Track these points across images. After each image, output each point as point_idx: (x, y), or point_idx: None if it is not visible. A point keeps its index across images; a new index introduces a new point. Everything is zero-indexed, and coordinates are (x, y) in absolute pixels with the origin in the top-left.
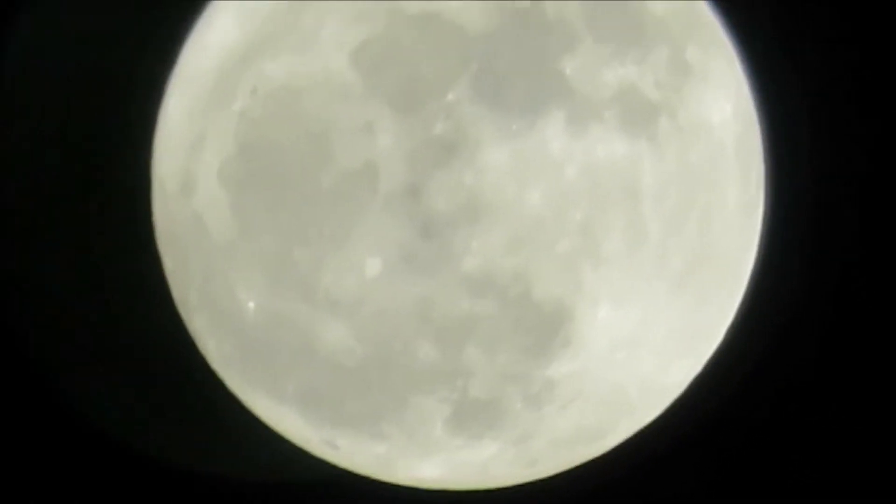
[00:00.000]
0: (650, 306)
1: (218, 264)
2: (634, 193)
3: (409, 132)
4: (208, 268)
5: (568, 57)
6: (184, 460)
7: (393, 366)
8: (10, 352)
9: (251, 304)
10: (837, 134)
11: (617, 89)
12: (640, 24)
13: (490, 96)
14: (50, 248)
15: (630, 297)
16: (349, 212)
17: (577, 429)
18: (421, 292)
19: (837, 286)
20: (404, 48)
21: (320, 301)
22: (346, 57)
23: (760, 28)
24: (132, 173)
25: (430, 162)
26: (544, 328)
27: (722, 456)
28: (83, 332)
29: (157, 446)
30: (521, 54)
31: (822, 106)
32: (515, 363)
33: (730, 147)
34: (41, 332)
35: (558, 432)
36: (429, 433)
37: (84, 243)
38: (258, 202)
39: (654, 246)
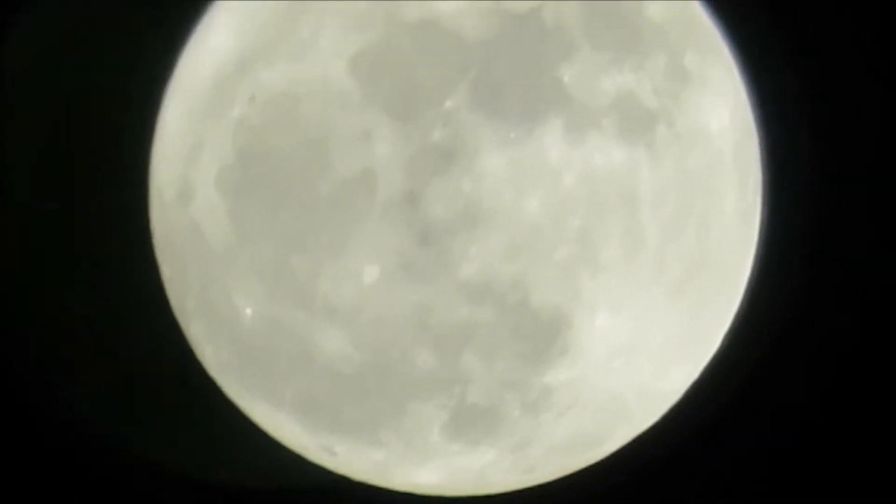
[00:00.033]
0: (648, 313)
1: (216, 271)
2: (632, 201)
3: (407, 139)
4: (206, 275)
5: (566, 64)
6: (182, 467)
7: (391, 373)
8: (7, 357)
9: (249, 311)
10: (835, 141)
11: (615, 97)
12: (637, 31)
13: (488, 104)
14: (47, 255)
15: (628, 304)
16: (347, 219)
17: (575, 436)
18: (419, 299)
19: (834, 293)
20: (402, 56)
21: (318, 308)
22: (344, 64)
23: (759, 35)
24: (130, 181)
25: (428, 169)
26: (542, 335)
27: (719, 463)
28: (81, 339)
29: (154, 453)
30: (519, 62)
31: (820, 113)
32: (513, 370)
33: (728, 154)
34: (39, 338)
35: (556, 439)
36: (426, 440)
37: (81, 250)
38: (256, 209)
39: (651, 253)
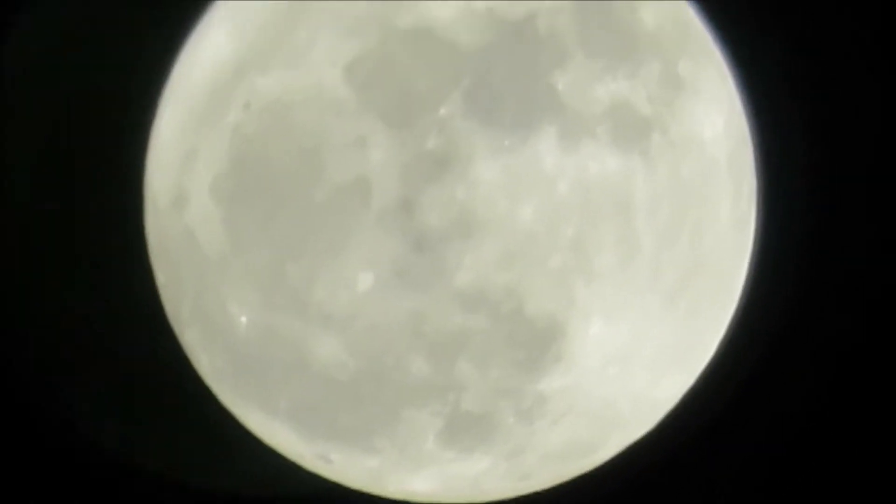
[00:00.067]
0: (642, 321)
1: (210, 279)
2: (627, 209)
3: (402, 147)
4: (200, 282)
5: (560, 72)
6: (177, 475)
7: (385, 380)
8: (1, 361)
9: (243, 319)
10: (830, 149)
11: (609, 104)
12: (631, 39)
13: (482, 111)
14: (41, 259)
15: (622, 312)
16: (342, 226)
17: (569, 443)
18: (413, 307)
19: (829, 301)
20: (397, 63)
21: (313, 315)
22: (338, 72)
23: (753, 42)
24: (125, 187)
25: (422, 177)
26: (536, 343)
27: (714, 471)
28: (75, 345)
29: (149, 461)
30: (513, 69)
31: (814, 121)
32: (507, 378)
33: (722, 162)
34: (33, 343)
35: (550, 447)
36: (421, 447)
37: (76, 255)
38: (250, 217)
39: (646, 261)
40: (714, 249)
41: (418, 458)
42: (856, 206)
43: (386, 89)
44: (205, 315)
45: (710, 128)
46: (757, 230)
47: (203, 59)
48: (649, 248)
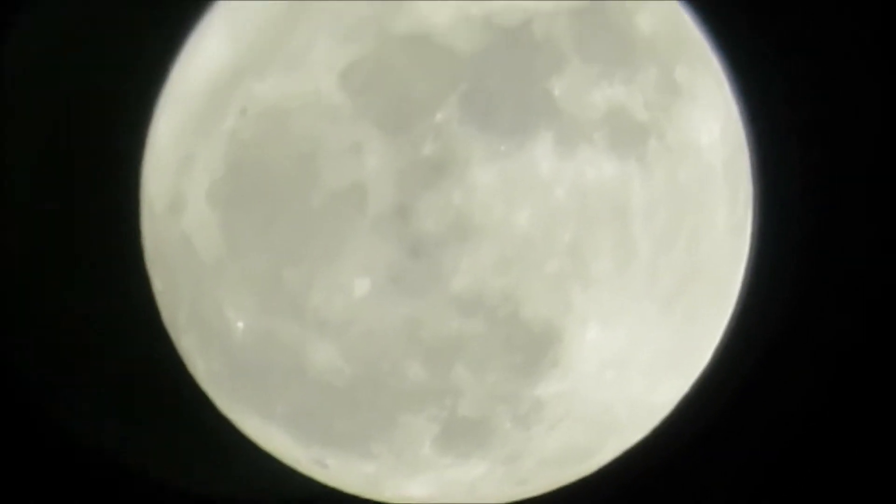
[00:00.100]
0: (639, 326)
1: (207, 284)
2: (623, 214)
3: (398, 152)
4: (197, 288)
5: (556, 78)
6: (173, 480)
7: (382, 385)
8: None
9: (240, 324)
10: (826, 155)
11: (606, 110)
12: (628, 45)
13: (479, 117)
14: (36, 265)
15: (619, 317)
16: (338, 232)
17: (566, 448)
18: (410, 312)
19: (826, 307)
20: (393, 69)
21: (309, 321)
22: (335, 78)
23: (749, 48)
24: (122, 192)
25: (418, 182)
26: (533, 348)
27: (710, 476)
28: (71, 351)
29: (145, 465)
30: (510, 75)
31: (811, 127)
32: (504, 383)
33: (718, 167)
34: (28, 350)
35: (547, 452)
36: (417, 452)
37: (72, 261)
38: (247, 222)
39: (642, 266)
40: (710, 255)
41: (415, 464)
42: (852, 212)
43: (382, 95)
44: (201, 320)
45: (707, 134)
46: (753, 236)
47: (200, 63)
48: (646, 253)
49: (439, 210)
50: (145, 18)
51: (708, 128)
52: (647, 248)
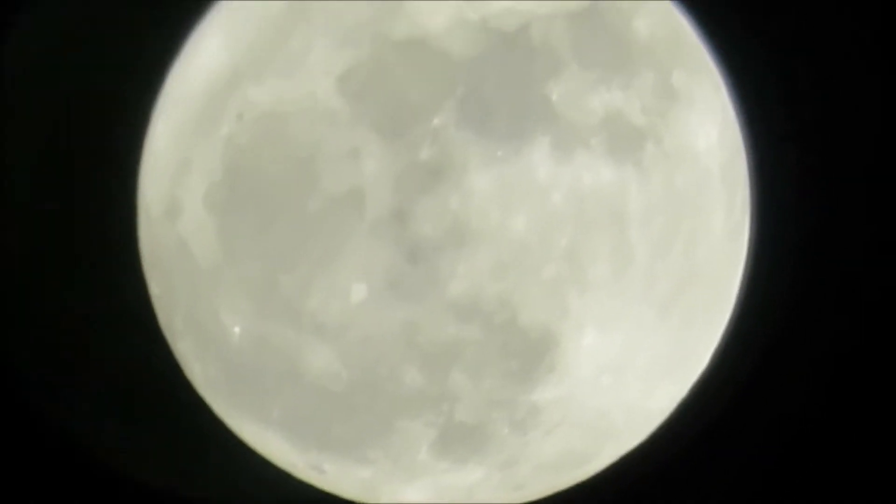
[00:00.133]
0: (636, 332)
1: (203, 288)
2: (620, 219)
3: (395, 157)
4: (194, 292)
5: (554, 83)
6: (169, 485)
7: (378, 390)
8: None
9: (237, 329)
10: (824, 159)
11: (603, 115)
12: (625, 50)
13: (476, 121)
14: (33, 268)
15: (616, 322)
16: (335, 237)
17: (563, 454)
18: (407, 317)
19: (824, 311)
20: (390, 74)
21: (306, 326)
22: (332, 82)
23: (746, 52)
24: (118, 196)
25: (416, 187)
26: (530, 354)
27: (707, 482)
28: (68, 355)
29: (141, 470)
30: (507, 80)
31: (808, 131)
32: (501, 388)
33: (715, 171)
34: (24, 354)
35: (544, 457)
36: (414, 458)
37: (68, 265)
38: (244, 227)
39: (639, 271)
40: (708, 260)
41: (412, 469)
42: (850, 216)
43: (379, 99)
44: (198, 325)
45: (704, 138)
46: (750, 240)
47: (198, 66)
48: (643, 258)
49: (436, 215)
50: (143, 21)
51: (705, 132)
52: (644, 253)
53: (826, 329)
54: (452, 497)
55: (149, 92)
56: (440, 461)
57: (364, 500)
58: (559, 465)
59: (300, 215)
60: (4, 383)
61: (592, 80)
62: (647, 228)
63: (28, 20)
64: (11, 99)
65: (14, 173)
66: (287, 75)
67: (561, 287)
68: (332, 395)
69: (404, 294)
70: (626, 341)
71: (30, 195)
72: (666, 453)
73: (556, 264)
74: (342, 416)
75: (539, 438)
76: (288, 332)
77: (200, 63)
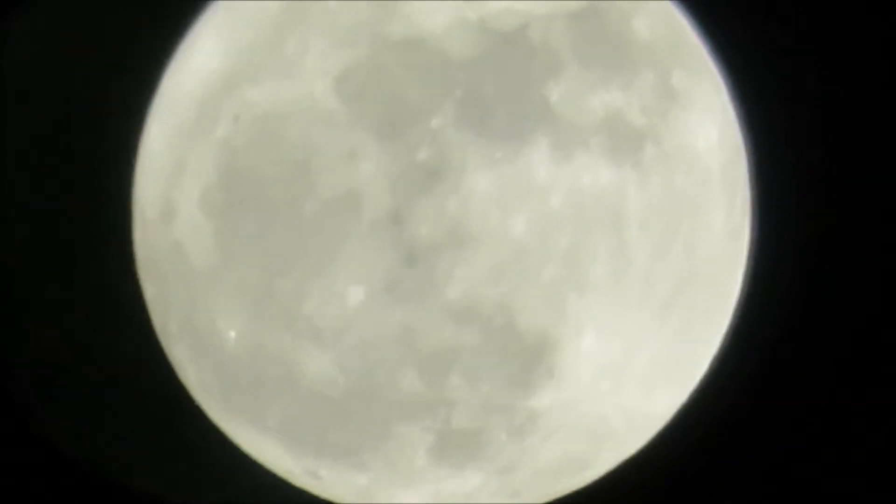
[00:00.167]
0: (635, 335)
1: (199, 293)
2: (620, 221)
3: (393, 159)
4: (189, 296)
5: (553, 83)
6: (163, 491)
7: (375, 395)
8: None
9: (232, 333)
10: (825, 159)
11: (602, 116)
12: (625, 50)
13: (474, 122)
14: (25, 272)
15: (615, 325)
16: (332, 240)
17: (562, 459)
18: (404, 321)
19: (826, 313)
20: (388, 74)
21: (302, 330)
22: (329, 83)
23: (746, 53)
24: (113, 198)
25: (413, 188)
26: (528, 358)
27: (709, 486)
28: (62, 360)
29: (136, 477)
30: (506, 80)
31: (809, 131)
32: (499, 393)
33: (715, 173)
34: (18, 358)
35: (542, 463)
36: (411, 463)
37: (63, 269)
38: (240, 230)
39: (639, 274)
40: (708, 261)
41: (409, 475)
42: (851, 217)
43: (377, 100)
44: (193, 329)
45: (704, 138)
46: (751, 241)
47: (193, 67)
48: (643, 260)
49: (434, 217)
50: (138, 22)
51: (705, 132)
52: (643, 255)
53: (830, 331)
54: (450, 503)
55: (144, 93)
56: (438, 467)
57: None
58: (558, 470)
59: (297, 218)
60: None
61: (592, 80)
62: (647, 230)
63: (22, 21)
64: (5, 100)
65: (8, 175)
66: (284, 76)
67: (560, 290)
68: (328, 400)
69: (402, 297)
70: (625, 344)
71: (24, 197)
72: (666, 459)
73: (555, 267)
74: (339, 422)
75: (537, 444)
76: (284, 336)
77: (196, 64)
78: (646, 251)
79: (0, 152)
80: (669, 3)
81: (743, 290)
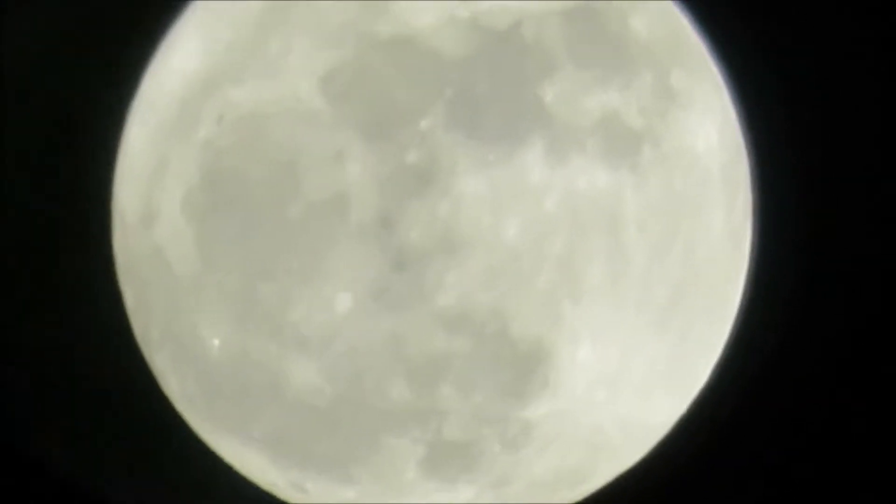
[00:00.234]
0: (632, 343)
1: (181, 299)
2: (616, 225)
3: (381, 161)
4: (171, 303)
5: (548, 83)
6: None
7: (364, 406)
8: None
9: (216, 342)
10: (827, 160)
11: (599, 117)
12: (622, 49)
13: (466, 124)
14: (2, 281)
15: (611, 333)
16: (318, 244)
17: (557, 472)
18: (393, 328)
19: (830, 318)
20: (375, 74)
21: (288, 338)
22: (314, 83)
23: (747, 51)
24: (91, 202)
25: (402, 192)
26: (522, 367)
27: (710, 499)
28: (39, 369)
29: (116, 489)
30: (499, 80)
31: (811, 131)
32: (492, 403)
33: (715, 174)
34: None
35: (537, 476)
36: (401, 476)
37: (39, 276)
38: (223, 234)
39: (637, 280)
40: (707, 266)
41: (399, 488)
42: (854, 219)
43: (365, 101)
44: (175, 337)
45: (704, 139)
46: (752, 244)
47: (174, 67)
48: (640, 266)
49: (424, 221)
50: (117, 20)
51: (705, 133)
52: (641, 261)
53: (834, 337)
54: None
55: (123, 94)
56: (428, 480)
57: None
58: (553, 483)
59: (282, 222)
60: None
61: (588, 80)
62: (645, 233)
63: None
64: None
65: None
66: (267, 76)
67: (554, 296)
68: (314, 411)
69: (391, 304)
70: (622, 353)
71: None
72: (665, 471)
73: (549, 272)
74: (325, 433)
75: (532, 456)
76: (269, 344)
77: (177, 64)
78: (643, 255)
79: None
80: (668, 2)
81: (745, 293)
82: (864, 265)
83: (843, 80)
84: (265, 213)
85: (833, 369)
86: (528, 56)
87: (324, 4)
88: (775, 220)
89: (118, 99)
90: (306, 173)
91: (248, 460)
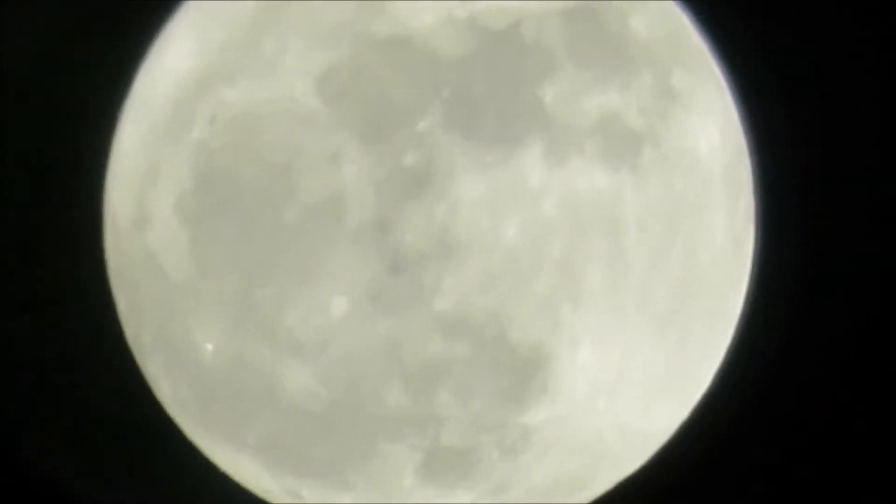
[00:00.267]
0: (633, 348)
1: (174, 303)
2: (616, 227)
3: (378, 163)
4: (164, 307)
5: (547, 83)
6: None
7: (360, 411)
8: None
9: (209, 346)
10: (830, 161)
11: (598, 118)
12: (623, 49)
13: (464, 125)
14: None
15: (612, 337)
16: (314, 247)
17: (556, 479)
18: (390, 333)
19: (833, 322)
20: (372, 74)
21: (283, 343)
22: (310, 83)
23: (750, 52)
24: (83, 205)
25: (399, 194)
26: (521, 372)
27: None
28: (31, 374)
29: (109, 495)
30: (497, 81)
31: (813, 132)
32: (490, 409)
33: (717, 175)
34: None
35: (536, 483)
36: (398, 483)
37: (30, 280)
38: (217, 238)
39: (637, 283)
40: (709, 269)
41: (395, 495)
42: (857, 221)
43: (361, 102)
44: (168, 342)
45: (706, 140)
46: (755, 247)
47: (167, 67)
48: (640, 269)
49: (422, 224)
50: (110, 20)
51: (707, 134)
52: (641, 264)
53: (835, 342)
54: None
55: (116, 94)
56: (426, 487)
57: None
58: (552, 490)
59: (277, 225)
60: None
61: (588, 80)
62: (645, 237)
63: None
64: None
65: None
66: (262, 76)
67: (554, 300)
68: (310, 416)
69: (387, 308)
70: (622, 358)
71: None
72: (666, 478)
73: (548, 276)
74: (321, 439)
75: (531, 462)
76: (264, 348)
77: (170, 64)
78: (644, 258)
79: None
80: (669, 2)
81: (747, 296)
82: (868, 266)
83: (846, 81)
84: (260, 216)
85: (837, 374)
86: (527, 56)
87: (318, 4)
88: (778, 221)
89: (111, 99)
90: (302, 175)
91: (243, 466)
